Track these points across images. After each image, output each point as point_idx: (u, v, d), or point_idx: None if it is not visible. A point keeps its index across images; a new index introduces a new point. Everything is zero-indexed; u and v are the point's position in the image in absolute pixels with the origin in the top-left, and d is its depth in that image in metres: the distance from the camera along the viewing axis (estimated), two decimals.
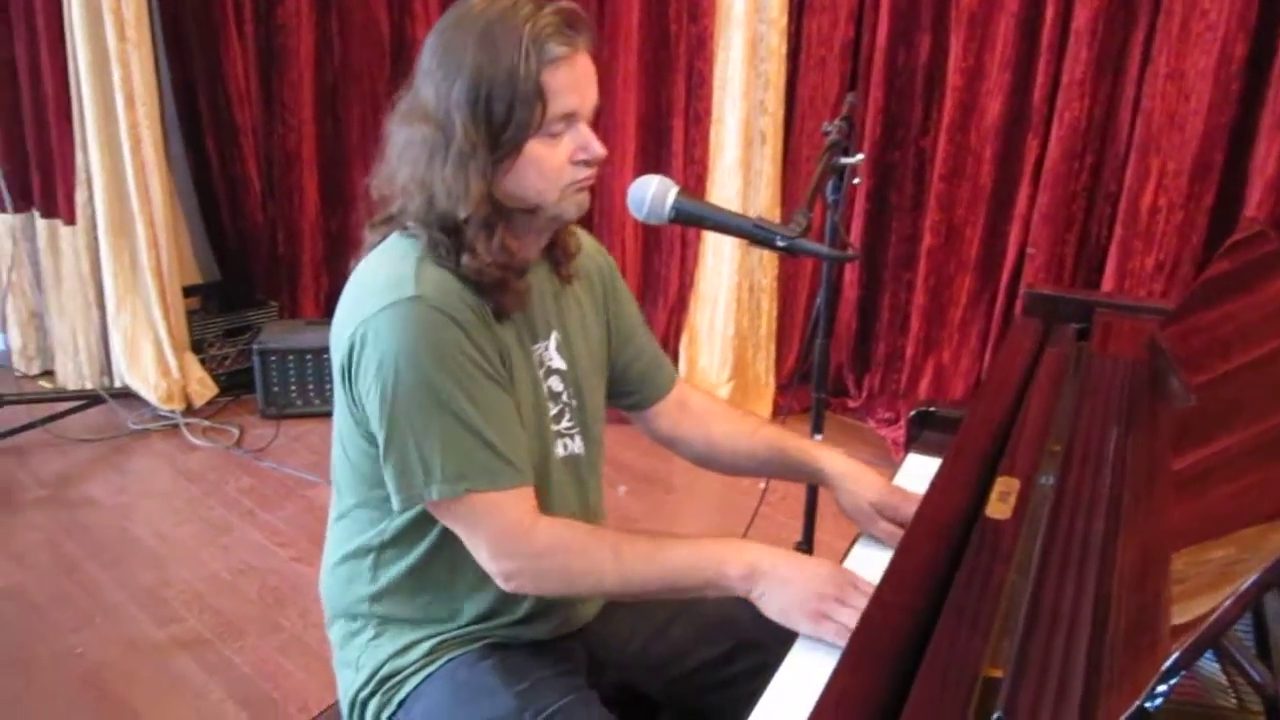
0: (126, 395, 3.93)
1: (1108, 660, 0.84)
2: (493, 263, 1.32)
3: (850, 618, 1.20)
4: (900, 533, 1.48)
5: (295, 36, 4.07)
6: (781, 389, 4.09)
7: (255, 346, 3.88)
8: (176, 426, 3.84)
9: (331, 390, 4.01)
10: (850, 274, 3.96)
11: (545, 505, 1.41)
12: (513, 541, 1.32)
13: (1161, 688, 0.71)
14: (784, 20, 3.68)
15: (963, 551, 1.10)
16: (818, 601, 1.25)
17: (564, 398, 1.49)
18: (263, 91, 4.15)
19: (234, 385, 4.10)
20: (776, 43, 3.70)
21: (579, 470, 1.53)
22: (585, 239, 1.58)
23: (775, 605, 1.28)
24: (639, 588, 1.34)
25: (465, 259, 1.32)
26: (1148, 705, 0.72)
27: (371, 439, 1.35)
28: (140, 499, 3.39)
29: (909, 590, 1.05)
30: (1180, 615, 0.86)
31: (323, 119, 4.24)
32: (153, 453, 3.70)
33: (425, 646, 1.45)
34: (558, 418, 1.48)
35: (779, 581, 1.29)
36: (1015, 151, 3.43)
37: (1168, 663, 0.69)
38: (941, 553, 1.11)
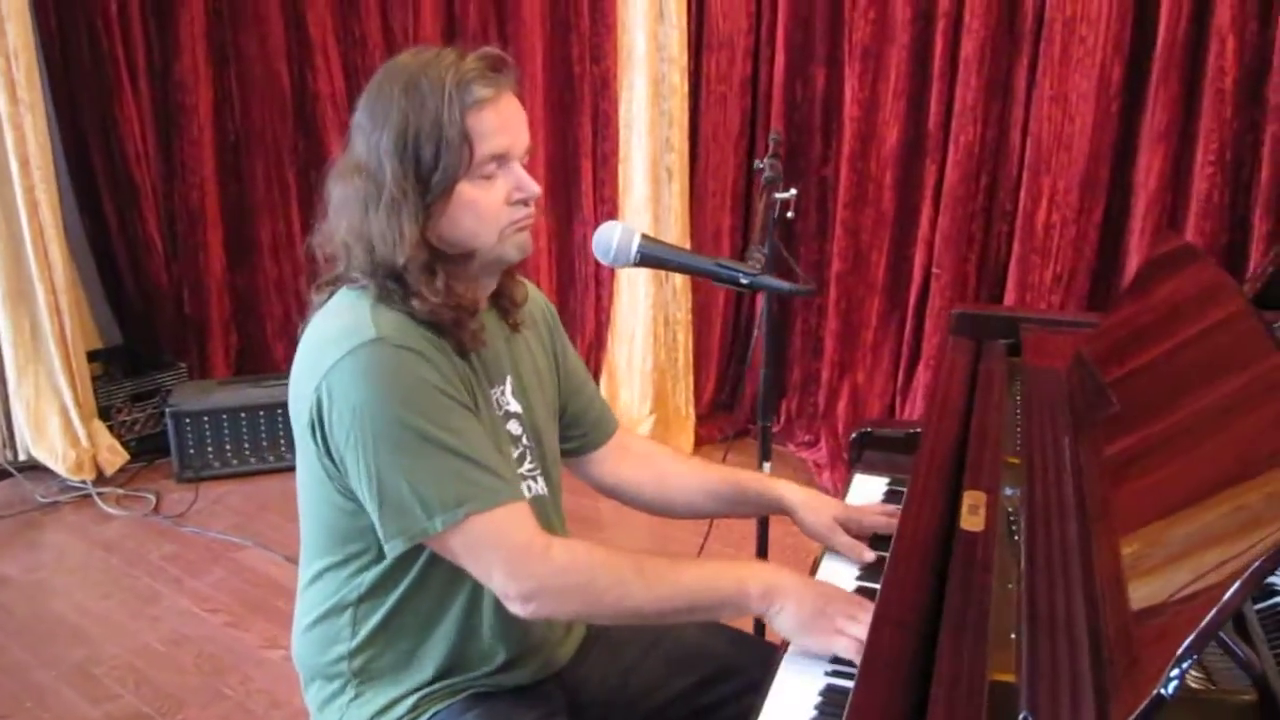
0: (33, 468, 3.79)
1: (1110, 655, 0.90)
2: (441, 304, 1.34)
3: (862, 632, 1.24)
4: (860, 545, 1.56)
5: (194, 93, 4.01)
6: (701, 420, 4.16)
7: (168, 409, 3.78)
8: (89, 497, 3.71)
9: (250, 448, 3.93)
10: (761, 302, 4.05)
11: None
12: (529, 559, 1.31)
13: (1175, 673, 0.77)
14: (684, 59, 3.78)
15: (946, 564, 1.16)
16: (831, 619, 1.29)
17: (524, 440, 1.51)
18: (161, 149, 4.07)
19: (145, 450, 3.99)
20: (678, 81, 3.79)
21: (545, 511, 1.53)
22: (531, 288, 1.61)
23: (791, 623, 1.31)
24: (663, 605, 1.34)
25: (415, 303, 1.33)
26: (1163, 691, 0.78)
27: (348, 493, 1.35)
28: (57, 574, 3.27)
29: (906, 605, 1.11)
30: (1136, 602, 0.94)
31: (225, 175, 4.19)
32: (65, 525, 3.58)
33: (409, 702, 1.44)
34: (519, 460, 1.50)
35: (795, 600, 1.31)
36: (914, 176, 3.57)
37: (1181, 648, 0.75)
38: (928, 567, 1.18)
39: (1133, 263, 3.17)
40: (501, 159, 1.34)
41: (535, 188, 1.38)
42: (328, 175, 1.39)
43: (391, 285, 1.34)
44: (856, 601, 1.33)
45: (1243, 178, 2.95)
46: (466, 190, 1.33)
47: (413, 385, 1.29)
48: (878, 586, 1.44)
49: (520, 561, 1.31)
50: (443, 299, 1.34)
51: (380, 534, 1.33)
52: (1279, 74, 2.79)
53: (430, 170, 1.31)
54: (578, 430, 1.68)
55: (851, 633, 1.27)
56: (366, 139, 1.33)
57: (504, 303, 1.52)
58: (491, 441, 1.40)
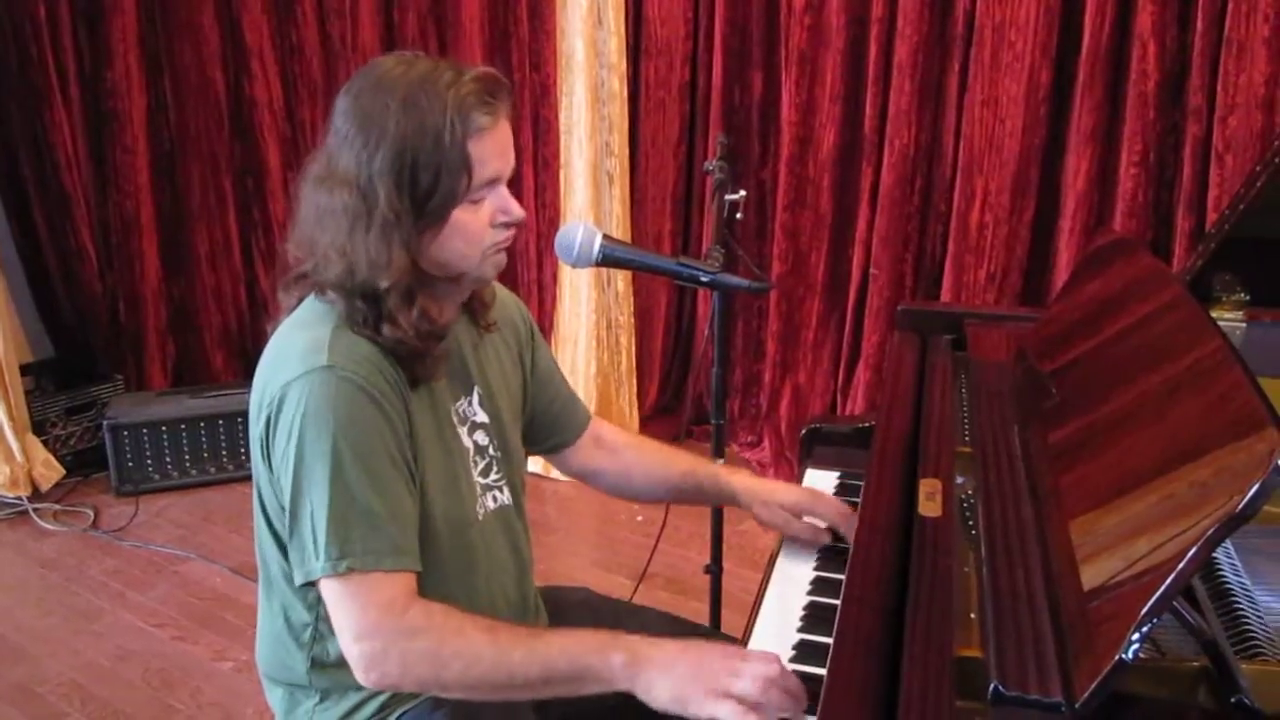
0: None
1: (1070, 627, 0.95)
2: (412, 333, 1.33)
3: (747, 686, 1.15)
4: (818, 529, 1.61)
5: (126, 100, 3.95)
6: (645, 422, 4.19)
7: (106, 422, 3.72)
8: (25, 513, 3.63)
9: (191, 460, 3.87)
10: (703, 305, 4.10)
11: (477, 562, 1.44)
12: (381, 619, 1.26)
13: (1135, 637, 0.82)
14: (623, 65, 3.82)
15: (908, 548, 1.21)
16: (711, 679, 1.17)
17: (490, 450, 1.51)
18: (93, 157, 4.00)
19: (82, 465, 3.91)
20: (617, 87, 3.82)
21: (508, 520, 1.55)
22: (500, 289, 1.61)
23: (666, 692, 1.19)
24: (514, 676, 1.25)
25: (386, 329, 1.32)
26: (1124, 656, 0.82)
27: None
28: None
29: (873, 587, 1.15)
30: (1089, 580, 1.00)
31: (160, 183, 4.12)
32: (1, 543, 3.49)
33: (375, 704, 1.45)
34: (485, 471, 1.50)
35: (665, 666, 1.20)
36: (851, 179, 3.64)
37: (1141, 613, 0.80)
38: (890, 551, 1.22)
39: (1063, 260, 3.27)
40: (493, 183, 1.34)
41: (521, 212, 1.38)
42: (303, 176, 1.36)
43: (361, 306, 1.32)
44: (736, 654, 1.23)
45: (1165, 177, 3.06)
46: (459, 215, 1.31)
47: (349, 421, 1.28)
48: (834, 576, 1.49)
49: (372, 620, 1.26)
50: (414, 327, 1.33)
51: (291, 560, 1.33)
52: (1198, 77, 2.90)
53: (427, 195, 1.29)
54: (545, 430, 1.69)
55: (738, 690, 1.15)
56: (357, 154, 1.29)
57: (474, 305, 1.52)
58: (441, 465, 1.40)
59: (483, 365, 1.53)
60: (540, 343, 1.68)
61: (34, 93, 3.82)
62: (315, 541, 1.27)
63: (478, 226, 1.34)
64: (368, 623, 1.27)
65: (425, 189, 1.29)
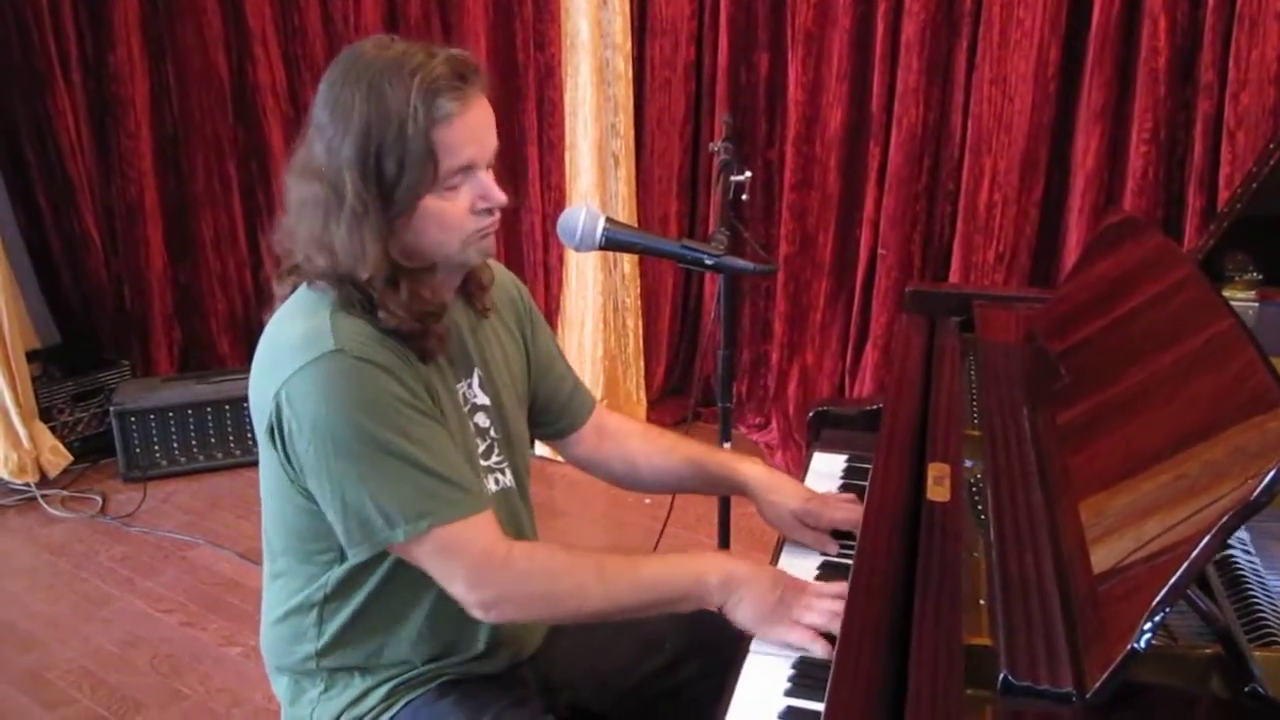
0: None
1: (1081, 615, 0.93)
2: (406, 315, 1.32)
3: (817, 619, 1.27)
4: (823, 537, 1.56)
5: (129, 85, 3.94)
6: (653, 404, 4.18)
7: (113, 408, 3.72)
8: (33, 500, 3.64)
9: (198, 446, 3.87)
10: (710, 286, 4.08)
11: None
12: (490, 568, 1.32)
13: (1148, 626, 0.80)
14: (628, 44, 3.79)
15: (916, 533, 1.19)
16: (789, 608, 1.30)
17: (491, 433, 1.50)
18: (97, 143, 3.99)
19: (90, 451, 3.91)
20: (623, 67, 3.80)
21: (511, 503, 1.54)
22: (499, 269, 1.59)
23: (750, 614, 1.32)
24: (622, 604, 1.36)
25: (381, 314, 1.31)
26: (1136, 645, 0.81)
27: (309, 494, 1.34)
28: (4, 579, 3.20)
29: (881, 574, 1.13)
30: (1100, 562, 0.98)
31: (164, 168, 4.12)
32: (9, 529, 3.50)
33: (381, 692, 1.45)
34: (487, 453, 1.49)
35: (755, 590, 1.32)
36: (859, 158, 3.61)
37: (1154, 602, 0.78)
38: (899, 537, 1.21)
39: (1073, 240, 3.24)
40: (468, 169, 1.31)
41: (501, 197, 1.34)
42: (289, 166, 1.35)
43: (355, 293, 1.32)
44: (814, 589, 1.34)
45: (1176, 155, 3.03)
46: (431, 203, 1.29)
47: (373, 398, 1.28)
48: (841, 561, 1.48)
49: (481, 571, 1.32)
50: (407, 310, 1.32)
51: (343, 541, 1.33)
52: (1209, 53, 2.87)
53: (393, 185, 1.27)
54: (549, 415, 1.67)
55: (808, 621, 1.28)
56: (327, 143, 1.28)
57: (470, 288, 1.49)
58: (459, 443, 1.40)
59: (482, 348, 1.51)
60: (540, 322, 1.66)
61: (37, 78, 3.81)
62: (385, 514, 1.28)
63: (455, 214, 1.32)
64: (476, 573, 1.31)
65: (390, 179, 1.26)
